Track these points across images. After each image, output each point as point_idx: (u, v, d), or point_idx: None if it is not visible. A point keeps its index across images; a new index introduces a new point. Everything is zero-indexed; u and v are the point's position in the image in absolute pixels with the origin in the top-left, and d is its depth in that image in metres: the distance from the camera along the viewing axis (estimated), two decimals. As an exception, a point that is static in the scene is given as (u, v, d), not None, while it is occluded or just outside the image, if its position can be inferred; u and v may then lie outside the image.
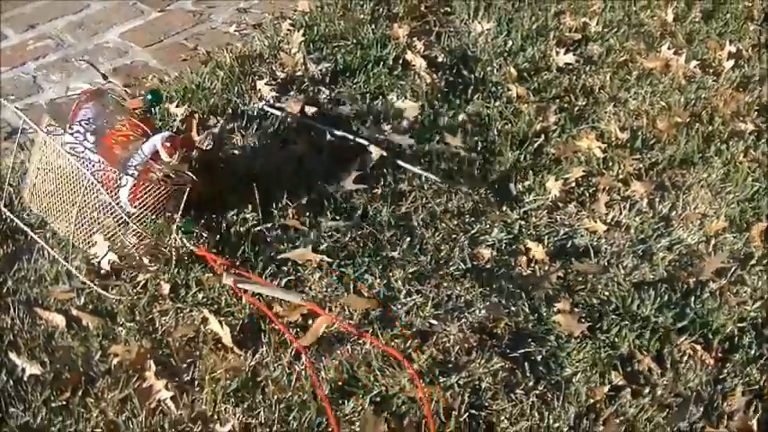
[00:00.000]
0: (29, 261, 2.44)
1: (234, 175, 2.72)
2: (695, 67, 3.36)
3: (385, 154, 2.81)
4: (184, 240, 2.34)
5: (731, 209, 2.75)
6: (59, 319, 2.28)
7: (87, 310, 2.31)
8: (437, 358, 2.25)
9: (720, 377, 2.27)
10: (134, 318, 2.30)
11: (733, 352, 2.33)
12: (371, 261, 2.48)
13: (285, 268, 2.45)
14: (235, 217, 2.58)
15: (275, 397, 2.13)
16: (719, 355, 2.32)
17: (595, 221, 2.68)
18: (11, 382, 2.13)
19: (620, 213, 2.72)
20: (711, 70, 3.38)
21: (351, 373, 2.20)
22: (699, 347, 2.32)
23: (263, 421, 2.08)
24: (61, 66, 3.31)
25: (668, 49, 3.43)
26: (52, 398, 2.09)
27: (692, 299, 2.46)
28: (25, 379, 2.12)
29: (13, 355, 2.17)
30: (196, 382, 2.16)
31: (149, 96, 2.58)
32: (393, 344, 2.27)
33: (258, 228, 2.55)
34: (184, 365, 2.20)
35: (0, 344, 2.21)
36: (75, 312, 2.30)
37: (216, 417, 2.09)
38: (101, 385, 2.13)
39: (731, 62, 3.39)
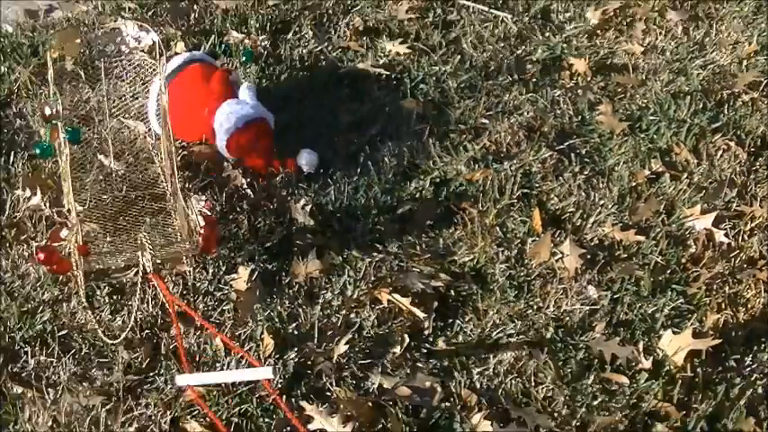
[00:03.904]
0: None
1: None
2: None
3: (434, -12, 2.98)
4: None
5: (763, 37, 2.90)
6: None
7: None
8: (490, 149, 2.44)
9: (753, 168, 2.44)
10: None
11: (765, 149, 2.51)
12: (426, 74, 2.67)
13: (346, 81, 2.64)
14: (296, 41, 2.78)
15: (344, 180, 2.33)
16: (752, 150, 2.49)
17: (633, 44, 2.84)
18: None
19: (657, 39, 2.88)
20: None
21: (411, 160, 2.40)
22: (732, 144, 2.49)
23: (333, 199, 2.28)
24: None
25: None
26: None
27: (726, 107, 2.63)
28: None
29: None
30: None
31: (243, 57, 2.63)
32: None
33: (319, 48, 2.74)
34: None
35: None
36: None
37: (289, 197, 2.28)
38: (185, 175, 2.32)
39: None
